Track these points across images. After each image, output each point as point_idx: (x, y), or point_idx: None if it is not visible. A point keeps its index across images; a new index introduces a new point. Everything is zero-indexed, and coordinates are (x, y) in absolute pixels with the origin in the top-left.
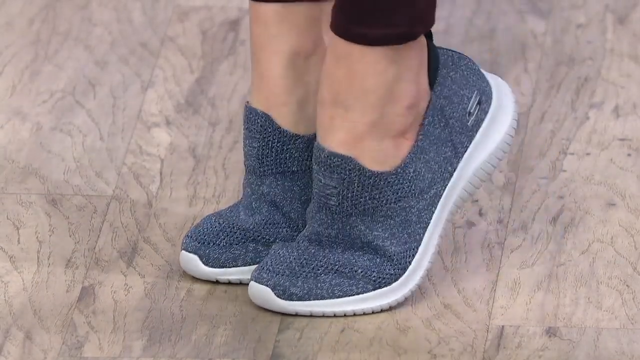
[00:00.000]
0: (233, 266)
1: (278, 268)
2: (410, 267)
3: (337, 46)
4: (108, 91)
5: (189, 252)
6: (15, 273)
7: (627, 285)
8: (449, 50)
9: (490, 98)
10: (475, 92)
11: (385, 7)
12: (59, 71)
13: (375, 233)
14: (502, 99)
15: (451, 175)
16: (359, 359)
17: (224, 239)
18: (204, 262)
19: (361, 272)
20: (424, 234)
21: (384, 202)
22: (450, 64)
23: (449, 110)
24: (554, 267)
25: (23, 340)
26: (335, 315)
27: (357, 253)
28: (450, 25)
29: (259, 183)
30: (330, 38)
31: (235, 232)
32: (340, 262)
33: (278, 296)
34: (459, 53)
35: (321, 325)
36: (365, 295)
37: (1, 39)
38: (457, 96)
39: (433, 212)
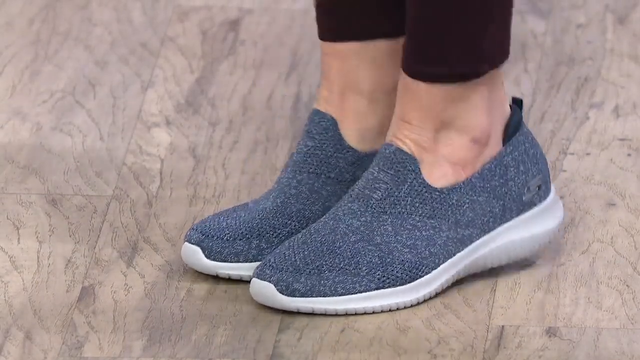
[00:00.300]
0: (235, 261)
1: (281, 264)
2: (419, 280)
3: (405, 78)
4: (108, 91)
5: (192, 243)
6: (15, 273)
7: (627, 285)
8: (530, 131)
9: (549, 193)
10: (540, 176)
11: (447, 47)
12: (59, 71)
13: (399, 237)
14: (556, 204)
15: (490, 231)
16: (359, 359)
17: (229, 233)
18: (205, 255)
19: (366, 269)
20: (443, 262)
21: (419, 212)
22: (530, 139)
23: (512, 173)
24: (554, 267)
25: (23, 340)
26: (336, 313)
27: (369, 247)
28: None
29: (291, 177)
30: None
31: (241, 228)
32: (346, 258)
33: (280, 292)
34: (536, 140)
35: (321, 325)
36: (367, 293)
37: (1, 39)
38: (524, 165)
39: (460, 251)
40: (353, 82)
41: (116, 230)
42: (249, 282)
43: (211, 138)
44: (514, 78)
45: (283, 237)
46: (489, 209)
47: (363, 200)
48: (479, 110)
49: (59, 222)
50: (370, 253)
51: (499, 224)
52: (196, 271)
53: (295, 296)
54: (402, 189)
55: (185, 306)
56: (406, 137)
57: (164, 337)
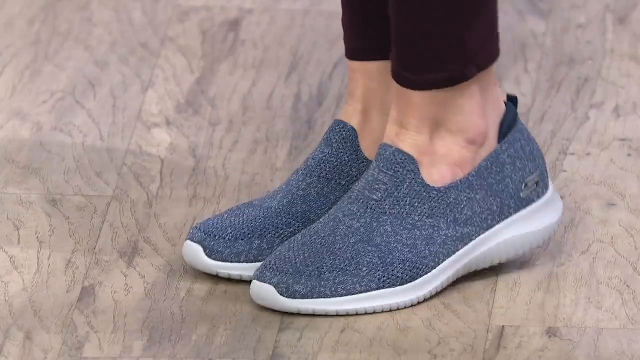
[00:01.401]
0: (235, 261)
1: (281, 266)
2: (420, 279)
3: (397, 87)
4: (108, 91)
5: (194, 242)
6: (15, 273)
7: (627, 285)
8: (526, 127)
9: (547, 188)
10: (538, 171)
11: (431, 53)
12: (59, 71)
13: (398, 237)
14: (554, 200)
15: (488, 229)
16: (359, 359)
17: (231, 232)
18: (207, 254)
19: (366, 270)
20: (443, 260)
21: (418, 212)
22: (525, 135)
23: (509, 170)
24: (554, 267)
25: (23, 340)
26: (337, 314)
27: (369, 247)
28: None
29: (301, 179)
30: None
31: (243, 227)
32: (346, 259)
33: (281, 294)
34: (532, 136)
35: (321, 325)
36: (368, 293)
37: (1, 39)
38: (520, 162)
39: (459, 249)
40: (378, 100)
41: (116, 230)
42: (249, 282)
43: (211, 138)
44: (514, 78)
45: (285, 238)
46: (486, 206)
47: (362, 202)
48: (472, 111)
49: (59, 222)
50: (370, 253)
51: (498, 221)
52: (196, 271)
53: (296, 298)
54: (401, 189)
55: (185, 306)
56: (403, 141)
57: (164, 337)
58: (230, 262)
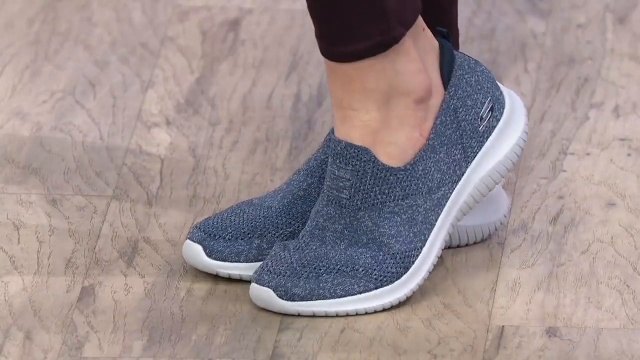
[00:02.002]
0: (235, 261)
1: (279, 269)
2: (413, 266)
3: (329, 64)
4: (108, 91)
5: (194, 241)
6: (15, 273)
7: (627, 285)
8: (466, 55)
9: (503, 107)
10: (489, 99)
11: (354, 22)
12: (59, 71)
13: (382, 230)
14: (514, 110)
15: (459, 179)
16: (359, 359)
17: (231, 232)
18: (207, 254)
19: (362, 270)
20: (429, 234)
21: (392, 197)
22: (467, 67)
23: (462, 113)
24: (554, 267)
25: (23, 340)
26: (337, 315)
27: (360, 250)
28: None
29: (302, 180)
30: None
31: (244, 226)
32: (342, 262)
33: (280, 297)
34: (475, 59)
35: (321, 325)
36: (367, 294)
37: (1, 39)
38: (470, 99)
39: (439, 214)
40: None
41: (116, 230)
42: (249, 282)
43: (211, 138)
44: (514, 78)
45: (285, 237)
46: (451, 159)
47: (336, 202)
48: (412, 70)
49: (59, 222)
50: (363, 256)
51: (465, 167)
52: (196, 271)
53: (295, 300)
54: (365, 181)
55: (185, 306)
56: (353, 125)
57: (164, 337)
58: (231, 261)
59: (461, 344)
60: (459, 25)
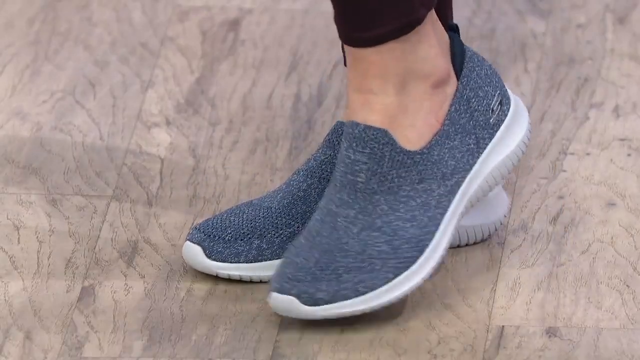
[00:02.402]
0: (235, 262)
1: (299, 276)
2: (428, 249)
3: (351, 50)
4: (108, 91)
5: (194, 242)
6: (15, 273)
7: (627, 285)
8: (473, 50)
9: (509, 103)
10: (498, 92)
11: (379, 5)
12: (59, 71)
13: (397, 214)
14: (518, 108)
15: (471, 169)
16: (359, 359)
17: (231, 232)
18: (206, 255)
19: (379, 262)
20: (442, 219)
21: (408, 181)
22: (476, 60)
23: (475, 103)
24: (554, 267)
25: (23, 340)
26: (364, 312)
27: (374, 234)
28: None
29: (302, 180)
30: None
31: (243, 227)
32: (356, 251)
33: (305, 304)
34: (482, 56)
35: (321, 325)
36: (388, 285)
37: (1, 39)
38: (482, 91)
39: (452, 201)
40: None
41: (116, 230)
42: (249, 282)
43: (211, 138)
44: (514, 78)
45: (285, 238)
46: (465, 148)
47: (350, 187)
48: (432, 53)
49: (59, 222)
50: (377, 240)
51: (477, 157)
52: (196, 271)
53: (320, 305)
54: (383, 164)
55: (185, 306)
56: (372, 109)
57: (164, 337)
58: (230, 262)
59: (461, 344)
60: (459, 26)
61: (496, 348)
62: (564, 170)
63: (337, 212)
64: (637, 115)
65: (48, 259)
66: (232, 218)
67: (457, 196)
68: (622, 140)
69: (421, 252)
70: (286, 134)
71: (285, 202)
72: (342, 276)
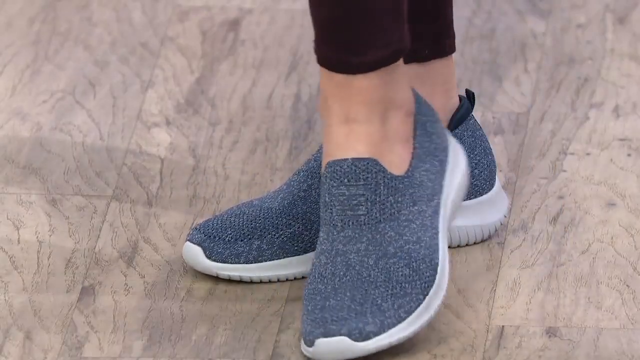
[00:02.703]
0: (235, 262)
1: (342, 315)
2: (439, 266)
3: (334, 76)
4: (108, 91)
5: (194, 243)
6: (15, 273)
7: (627, 285)
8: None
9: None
10: (438, 117)
11: (377, 29)
12: (59, 71)
13: (405, 238)
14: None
15: (442, 189)
16: (359, 358)
17: (231, 233)
18: (206, 256)
19: (409, 286)
20: (438, 237)
21: (404, 205)
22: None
23: (430, 127)
24: (554, 267)
25: (23, 340)
26: (410, 336)
27: (391, 260)
28: None
29: (302, 181)
30: (322, 68)
31: (243, 228)
32: (386, 285)
33: (357, 340)
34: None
35: None
36: (422, 306)
37: (1, 39)
38: (431, 115)
39: (439, 221)
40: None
41: (116, 230)
42: (249, 282)
43: (211, 138)
44: (514, 78)
45: (285, 238)
46: (434, 169)
47: (353, 223)
48: (406, 81)
49: (59, 222)
50: (396, 265)
51: (443, 177)
52: (196, 271)
53: (371, 338)
54: (380, 192)
55: (185, 306)
56: (358, 139)
57: (164, 337)
58: (231, 263)
59: (461, 344)
60: (459, 26)
61: (496, 348)
62: (564, 170)
63: (345, 250)
64: (637, 115)
65: (48, 259)
66: (232, 219)
67: (441, 216)
68: (622, 140)
69: (435, 269)
70: (286, 134)
71: (286, 202)
72: (382, 306)
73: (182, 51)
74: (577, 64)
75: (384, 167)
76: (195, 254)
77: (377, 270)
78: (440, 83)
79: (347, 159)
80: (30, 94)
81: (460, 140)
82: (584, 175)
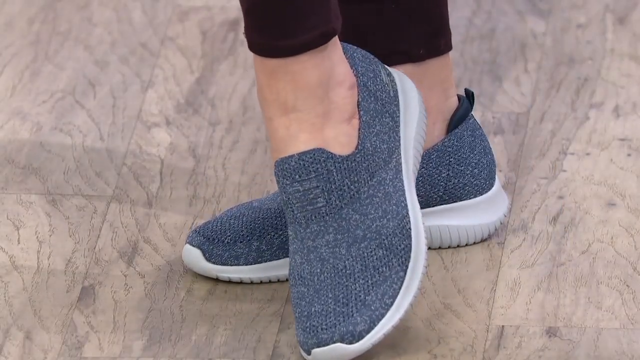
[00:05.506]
0: (235, 264)
1: (331, 321)
2: (412, 230)
3: (266, 63)
4: (108, 91)
5: (193, 246)
6: (15, 273)
7: (627, 285)
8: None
9: (388, 70)
10: (379, 66)
11: (300, 13)
12: (59, 71)
13: (370, 216)
14: (401, 76)
15: (400, 142)
16: (359, 358)
17: (230, 235)
18: (206, 258)
19: (386, 269)
20: (404, 198)
21: (362, 182)
22: (349, 48)
23: (372, 85)
24: (554, 267)
25: (23, 340)
26: (401, 319)
27: (362, 245)
28: (450, 26)
29: None
30: (254, 57)
31: (243, 229)
32: (366, 274)
33: (351, 343)
34: (348, 44)
35: None
36: (405, 282)
37: (1, 39)
38: (370, 71)
39: (402, 179)
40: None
41: (116, 230)
42: (249, 283)
43: (211, 138)
44: (514, 78)
45: (285, 239)
46: (387, 128)
47: (315, 217)
48: (342, 58)
49: (59, 222)
50: (369, 249)
51: (398, 130)
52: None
53: (363, 337)
54: (333, 179)
55: (185, 306)
56: (300, 129)
57: (164, 337)
58: (230, 265)
59: (461, 344)
60: (459, 26)
61: (496, 348)
62: (564, 170)
63: (315, 245)
64: (637, 115)
65: (48, 259)
66: (231, 221)
67: (404, 172)
68: (622, 140)
69: (409, 236)
70: None
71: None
72: (366, 300)
73: (182, 51)
74: (577, 64)
75: (331, 154)
76: (195, 257)
77: (351, 259)
78: (437, 82)
79: (293, 155)
80: (30, 94)
81: (460, 139)
82: (584, 175)
